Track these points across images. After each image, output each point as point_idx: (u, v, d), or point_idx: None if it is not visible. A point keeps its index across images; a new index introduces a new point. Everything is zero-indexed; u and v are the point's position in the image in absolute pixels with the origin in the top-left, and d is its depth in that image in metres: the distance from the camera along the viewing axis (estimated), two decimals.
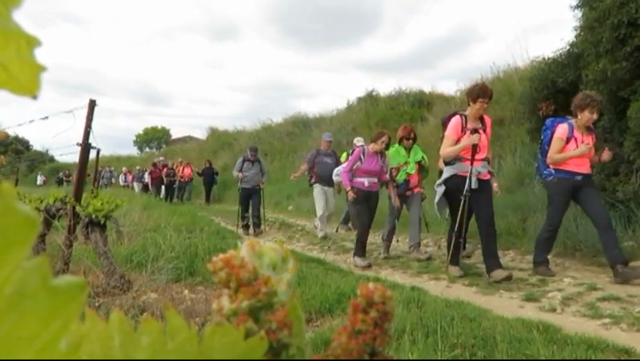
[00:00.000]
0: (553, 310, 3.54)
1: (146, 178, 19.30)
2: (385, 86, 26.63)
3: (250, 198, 8.81)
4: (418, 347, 2.46)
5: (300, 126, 19.90)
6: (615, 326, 3.16)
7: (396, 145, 6.01)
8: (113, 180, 23.06)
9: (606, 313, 3.39)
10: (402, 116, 14.66)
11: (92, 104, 4.12)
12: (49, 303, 0.19)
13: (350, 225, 8.28)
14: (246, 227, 8.84)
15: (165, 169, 17.63)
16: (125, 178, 21.21)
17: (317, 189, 7.96)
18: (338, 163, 7.69)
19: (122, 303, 3.16)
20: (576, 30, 6.94)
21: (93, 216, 3.80)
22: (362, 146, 6.18)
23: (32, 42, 0.20)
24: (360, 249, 5.62)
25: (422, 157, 6.08)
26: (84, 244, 4.32)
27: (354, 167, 5.75)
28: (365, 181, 5.70)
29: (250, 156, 8.92)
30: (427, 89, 16.32)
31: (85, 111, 4.08)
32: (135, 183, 20.11)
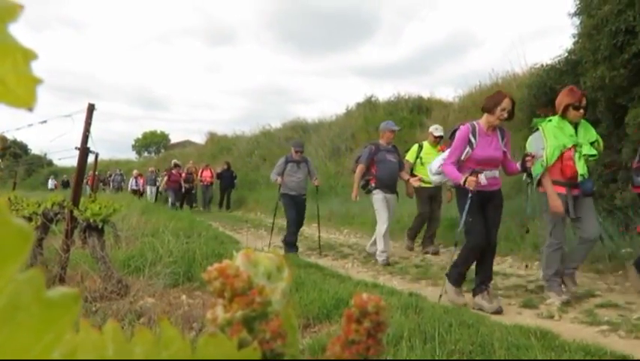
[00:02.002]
0: (551, 316, 3.54)
1: (159, 181, 18.03)
2: (383, 92, 26.73)
3: (296, 208, 6.72)
4: (416, 353, 2.46)
5: (299, 131, 19.92)
6: (613, 332, 3.16)
7: (557, 118, 3.96)
8: (123, 185, 21.55)
9: (604, 320, 3.39)
10: (400, 122, 14.68)
11: (91, 109, 4.12)
12: (42, 315, 0.19)
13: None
14: (293, 246, 6.64)
15: (184, 173, 15.95)
16: (136, 182, 19.69)
17: (378, 196, 5.94)
18: (402, 162, 6.24)
19: (119, 308, 3.15)
20: (574, 37, 6.99)
21: (91, 220, 3.79)
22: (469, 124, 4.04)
23: (29, 55, 0.21)
24: (458, 278, 4.01)
25: (596, 138, 4.00)
26: (82, 248, 4.31)
27: (464, 155, 3.91)
28: (481, 176, 3.86)
29: (295, 156, 6.72)
30: (425, 95, 16.37)
31: (83, 115, 4.09)
32: (148, 187, 18.60)
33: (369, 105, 17.26)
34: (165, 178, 16.14)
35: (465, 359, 2.48)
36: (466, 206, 3.83)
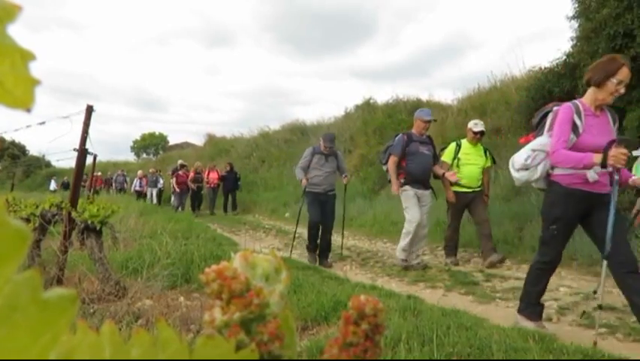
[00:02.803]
0: (550, 319, 3.54)
1: (161, 183, 17.52)
2: (381, 94, 26.73)
3: (321, 207, 6.06)
4: (414, 356, 2.46)
5: (298, 134, 19.92)
6: (611, 335, 3.17)
7: None
8: (126, 186, 20.50)
9: (602, 323, 3.39)
10: (399, 124, 14.70)
11: (90, 110, 4.12)
12: (39, 316, 0.19)
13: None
14: (312, 249, 6.15)
15: (192, 173, 15.03)
16: (140, 183, 18.71)
17: (408, 192, 5.41)
18: (437, 155, 5.67)
19: (116, 310, 3.14)
20: (572, 40, 7.01)
21: (89, 221, 3.79)
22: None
23: (27, 56, 0.21)
24: (533, 308, 3.19)
25: None
26: (79, 249, 4.31)
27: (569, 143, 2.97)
28: (590, 172, 2.94)
29: (323, 148, 6.08)
30: (424, 98, 16.38)
31: (82, 117, 4.08)
32: (149, 189, 17.68)
33: (368, 107, 17.27)
34: (174, 180, 15.12)
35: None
36: (560, 209, 2.93)
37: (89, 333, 0.24)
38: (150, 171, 18.79)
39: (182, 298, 3.75)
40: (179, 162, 16.12)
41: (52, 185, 27.64)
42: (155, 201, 17.00)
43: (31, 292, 0.19)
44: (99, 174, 21.97)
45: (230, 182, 15.06)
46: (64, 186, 25.21)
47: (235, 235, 9.29)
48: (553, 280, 4.74)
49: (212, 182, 15.11)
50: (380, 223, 9.16)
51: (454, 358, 2.50)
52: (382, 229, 8.82)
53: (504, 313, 3.72)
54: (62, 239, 3.86)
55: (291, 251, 6.56)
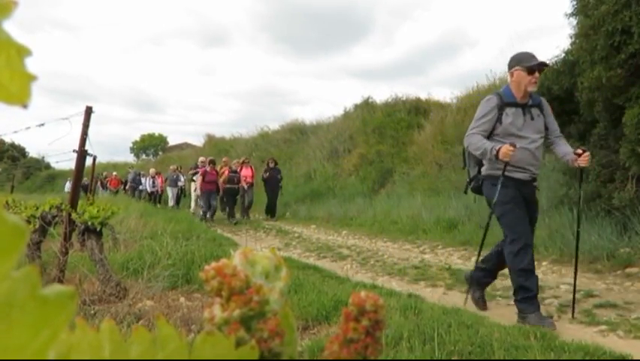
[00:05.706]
0: (550, 317, 3.54)
1: (182, 181, 15.62)
2: (378, 93, 26.84)
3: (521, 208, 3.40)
4: (415, 355, 2.46)
5: (297, 133, 19.94)
6: (612, 332, 3.17)
7: None
8: (142, 187, 17.82)
9: (603, 320, 3.40)
10: (398, 123, 14.72)
11: (89, 111, 4.11)
12: (37, 313, 0.19)
13: None
14: (531, 301, 3.27)
15: (227, 171, 12.39)
16: (154, 183, 16.72)
17: None
18: None
19: (117, 311, 3.14)
20: (571, 37, 7.00)
21: (89, 223, 3.79)
22: None
23: (23, 51, 0.20)
24: None
25: None
26: (80, 251, 4.30)
27: None
28: None
29: (523, 95, 3.32)
30: (423, 97, 16.37)
31: (81, 118, 4.08)
32: (169, 189, 15.61)
33: (367, 107, 17.27)
34: (200, 179, 12.27)
35: (464, 359, 2.48)
36: None
37: (88, 331, 0.24)
38: (171, 168, 16.66)
39: (182, 299, 3.75)
40: (201, 158, 13.87)
41: (67, 186, 27.40)
42: (172, 203, 15.42)
43: (30, 289, 0.19)
44: (115, 174, 21.73)
45: (273, 182, 12.64)
46: (84, 188, 24.81)
47: (235, 235, 9.30)
48: (553, 278, 4.75)
49: (246, 180, 12.55)
50: (380, 222, 9.15)
51: (456, 356, 2.50)
52: (382, 228, 8.82)
53: (505, 311, 3.72)
54: (62, 241, 3.86)
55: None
